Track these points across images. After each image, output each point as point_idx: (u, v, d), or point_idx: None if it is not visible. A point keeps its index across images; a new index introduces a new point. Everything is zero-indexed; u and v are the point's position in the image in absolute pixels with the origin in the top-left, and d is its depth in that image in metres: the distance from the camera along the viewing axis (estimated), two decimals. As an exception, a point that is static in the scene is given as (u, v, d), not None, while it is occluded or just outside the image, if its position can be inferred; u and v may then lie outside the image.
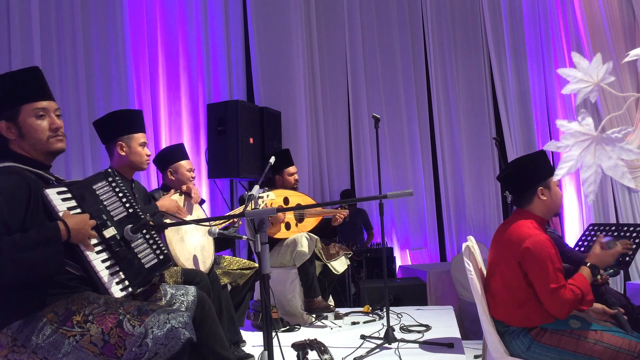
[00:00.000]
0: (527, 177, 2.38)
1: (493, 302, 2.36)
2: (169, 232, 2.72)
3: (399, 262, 6.15)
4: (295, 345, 2.47)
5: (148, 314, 1.73)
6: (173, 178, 3.14)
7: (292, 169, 4.07)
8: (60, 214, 1.74)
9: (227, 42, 5.59)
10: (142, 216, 1.99)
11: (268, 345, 1.73)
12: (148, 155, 2.71)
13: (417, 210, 6.46)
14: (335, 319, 3.87)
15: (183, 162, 3.16)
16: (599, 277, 2.70)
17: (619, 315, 2.41)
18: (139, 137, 2.67)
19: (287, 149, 4.32)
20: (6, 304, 1.71)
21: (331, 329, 3.67)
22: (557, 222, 3.30)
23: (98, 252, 1.80)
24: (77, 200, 1.83)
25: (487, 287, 2.42)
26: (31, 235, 1.63)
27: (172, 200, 2.84)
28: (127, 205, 1.98)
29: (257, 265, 3.25)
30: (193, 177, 3.21)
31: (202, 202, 3.19)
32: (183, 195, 3.02)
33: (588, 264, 2.29)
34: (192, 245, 2.84)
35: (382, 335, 3.18)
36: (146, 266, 1.93)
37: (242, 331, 3.11)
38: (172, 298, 2.02)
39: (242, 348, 2.95)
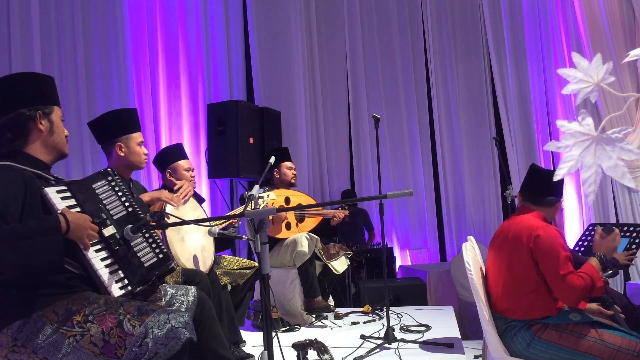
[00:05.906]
0: (558, 186, 2.50)
1: (498, 294, 2.38)
2: (170, 232, 2.71)
3: (399, 262, 6.15)
4: (295, 345, 2.47)
5: (148, 314, 1.73)
6: (172, 179, 3.13)
7: (289, 163, 4.07)
8: (59, 211, 1.74)
9: (227, 42, 5.59)
10: (142, 215, 1.99)
11: (268, 345, 1.74)
12: (146, 154, 2.70)
13: (417, 210, 6.46)
14: (335, 319, 3.87)
15: (181, 162, 3.14)
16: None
17: (617, 316, 2.42)
18: (137, 136, 2.65)
19: (285, 147, 4.31)
20: (6, 303, 1.70)
21: (331, 329, 3.67)
22: (560, 223, 3.31)
23: (97, 251, 1.80)
24: (77, 199, 1.83)
25: (492, 281, 2.45)
26: (30, 224, 1.62)
27: (156, 191, 2.68)
28: (127, 204, 1.98)
29: (257, 264, 3.24)
30: (192, 177, 3.18)
31: (202, 201, 3.18)
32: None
33: (595, 254, 2.35)
34: (192, 245, 2.84)
35: (382, 335, 3.18)
36: (145, 265, 1.93)
37: (242, 331, 3.10)
38: (172, 298, 2.02)
39: (242, 348, 2.95)
